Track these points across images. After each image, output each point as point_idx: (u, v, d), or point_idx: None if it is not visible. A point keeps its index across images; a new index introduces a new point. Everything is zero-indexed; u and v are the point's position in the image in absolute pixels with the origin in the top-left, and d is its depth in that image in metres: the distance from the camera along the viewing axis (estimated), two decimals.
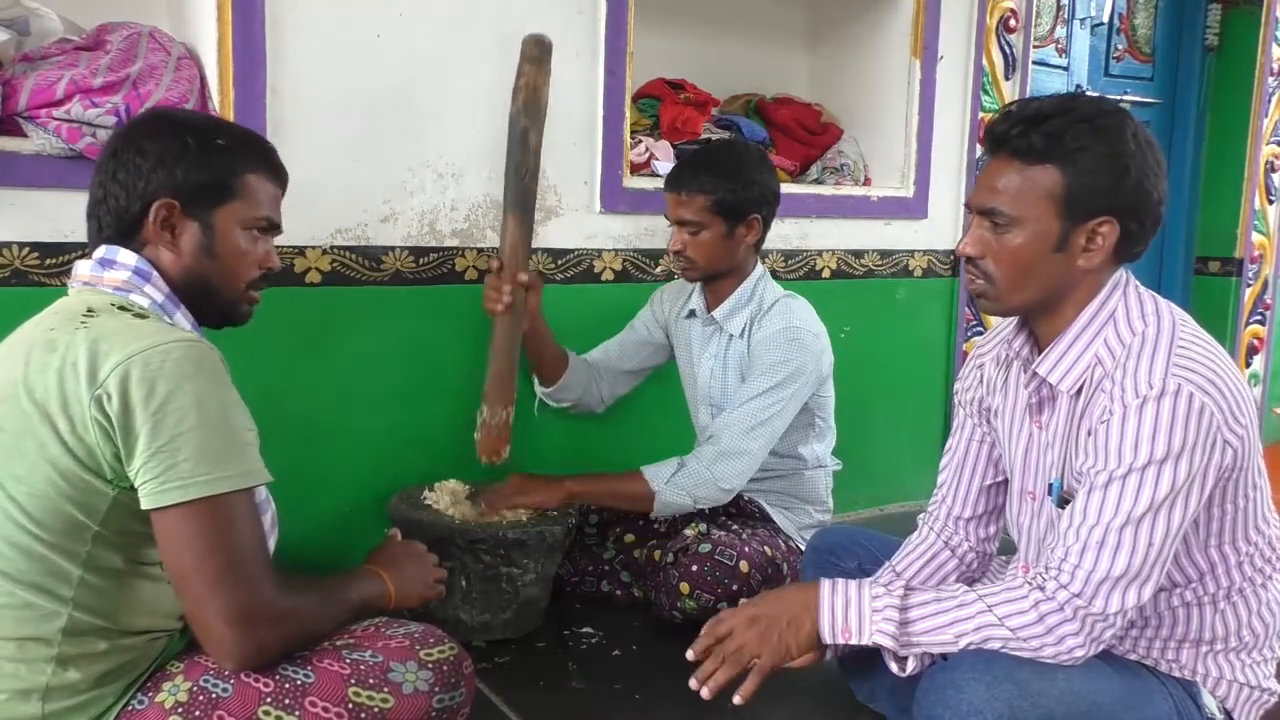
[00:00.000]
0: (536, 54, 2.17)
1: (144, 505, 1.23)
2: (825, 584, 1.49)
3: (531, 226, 2.24)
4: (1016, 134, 1.42)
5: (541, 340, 2.38)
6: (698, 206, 2.20)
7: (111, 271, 1.35)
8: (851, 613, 1.45)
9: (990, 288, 1.48)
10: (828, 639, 1.47)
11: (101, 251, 1.37)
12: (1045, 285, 1.46)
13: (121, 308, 1.32)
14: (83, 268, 1.37)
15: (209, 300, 1.42)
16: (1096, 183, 1.39)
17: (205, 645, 1.28)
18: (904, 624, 1.42)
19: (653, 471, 2.20)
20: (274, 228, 1.48)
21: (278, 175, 1.47)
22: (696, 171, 2.22)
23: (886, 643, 1.42)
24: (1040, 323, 1.52)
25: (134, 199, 1.35)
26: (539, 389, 2.47)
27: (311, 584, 1.40)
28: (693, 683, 1.50)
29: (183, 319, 1.38)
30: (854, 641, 1.45)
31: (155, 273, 1.36)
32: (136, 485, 1.23)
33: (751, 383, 2.23)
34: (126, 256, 1.35)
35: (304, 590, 1.36)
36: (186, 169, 1.36)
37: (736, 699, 1.48)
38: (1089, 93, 3.76)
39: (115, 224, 1.36)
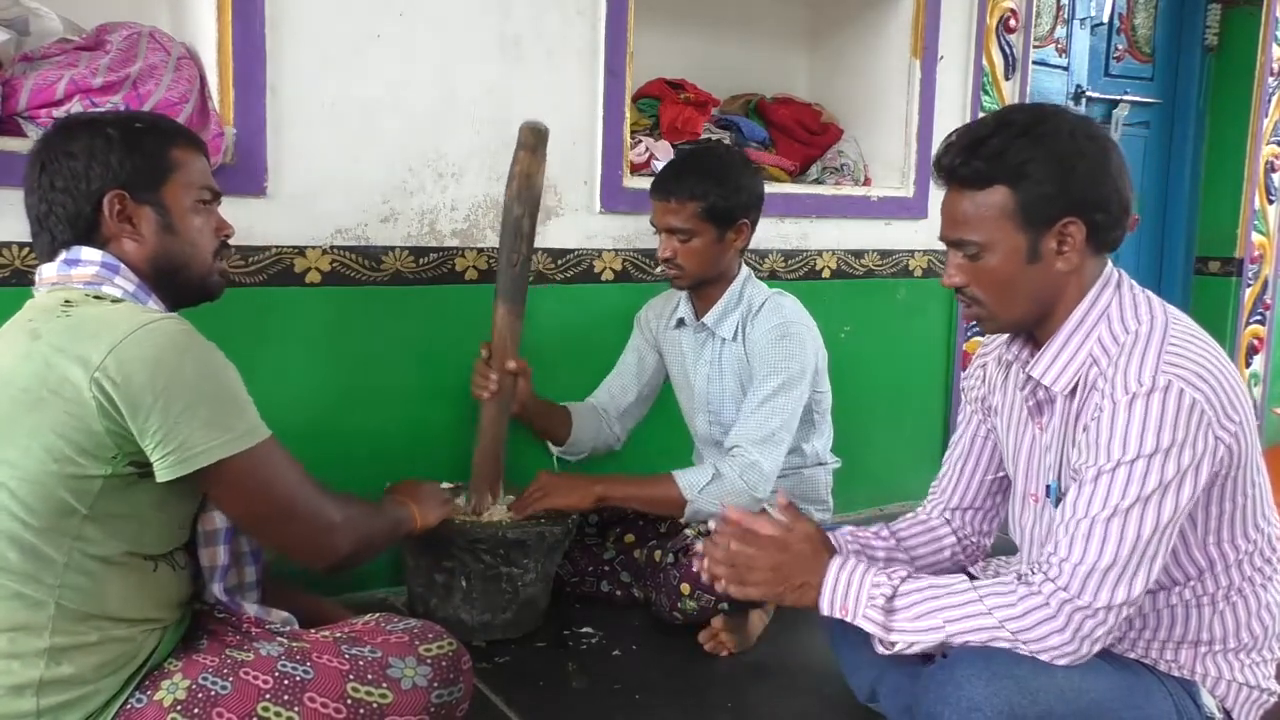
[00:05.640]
0: (532, 142, 2.14)
1: (164, 477, 1.27)
2: (836, 561, 1.51)
3: (523, 314, 2.21)
4: (960, 164, 1.45)
5: (538, 417, 2.38)
6: (688, 214, 2.18)
7: (79, 269, 1.36)
8: (851, 593, 1.47)
9: (984, 311, 1.51)
10: (826, 612, 1.49)
11: (64, 253, 1.38)
12: (1033, 296, 1.47)
13: (97, 298, 1.34)
14: (48, 270, 1.39)
15: (181, 278, 1.45)
16: (1046, 190, 1.41)
17: (297, 563, 1.45)
18: (890, 611, 1.43)
19: (686, 480, 2.19)
20: (216, 196, 1.51)
21: (199, 146, 1.50)
22: (684, 177, 2.20)
23: (870, 628, 1.44)
24: (1036, 327, 1.53)
25: (82, 200, 1.37)
26: (552, 448, 2.47)
27: (354, 499, 1.58)
28: (696, 562, 1.60)
29: (155, 306, 1.39)
30: (850, 620, 1.47)
31: (123, 265, 1.38)
32: (154, 459, 1.26)
33: (757, 387, 2.22)
34: (91, 254, 1.37)
35: (353, 502, 1.55)
36: (120, 157, 1.38)
37: (705, 576, 1.57)
38: (1090, 93, 3.77)
39: (70, 230, 1.38)
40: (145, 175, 1.40)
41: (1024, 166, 1.41)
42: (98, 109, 1.91)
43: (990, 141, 1.42)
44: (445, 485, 2.30)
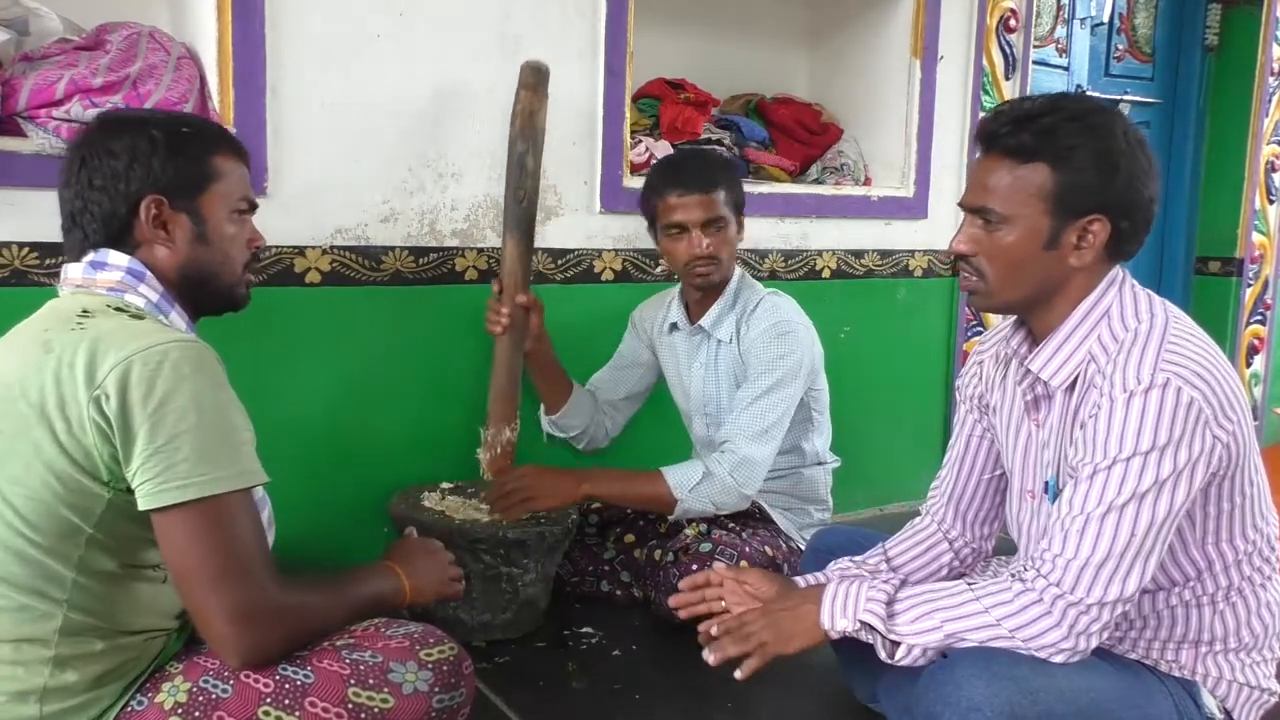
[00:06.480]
0: (533, 80, 2.17)
1: (142, 506, 1.22)
2: (832, 584, 1.52)
3: (531, 248, 2.24)
4: (1007, 132, 1.43)
5: (545, 363, 2.36)
6: (722, 202, 2.20)
7: (104, 273, 1.34)
8: (850, 604, 1.48)
9: (983, 284, 1.49)
10: (826, 625, 1.50)
11: (91, 255, 1.35)
12: (1036, 282, 1.47)
13: (117, 308, 1.31)
14: (73, 271, 1.36)
15: (210, 288, 1.43)
16: (1086, 181, 1.40)
17: (209, 642, 1.28)
18: (891, 616, 1.44)
19: (676, 478, 2.17)
20: (253, 207, 1.48)
21: (242, 154, 1.47)
22: (704, 169, 2.22)
23: (872, 620, 1.44)
24: (1035, 320, 1.53)
25: (119, 201, 1.34)
26: (544, 418, 2.46)
27: (316, 581, 1.40)
28: (705, 653, 1.55)
29: (177, 318, 1.38)
30: (849, 628, 1.48)
31: (149, 273, 1.36)
32: (134, 486, 1.22)
33: (752, 383, 2.21)
34: (118, 258, 1.35)
35: (307, 588, 1.36)
36: (163, 161, 1.35)
37: (738, 674, 1.52)
38: (1090, 92, 3.76)
39: (103, 230, 1.35)
40: (185, 182, 1.37)
41: (1071, 152, 1.40)
42: (98, 108, 1.90)
43: (1043, 119, 1.42)
44: (444, 485, 2.32)
